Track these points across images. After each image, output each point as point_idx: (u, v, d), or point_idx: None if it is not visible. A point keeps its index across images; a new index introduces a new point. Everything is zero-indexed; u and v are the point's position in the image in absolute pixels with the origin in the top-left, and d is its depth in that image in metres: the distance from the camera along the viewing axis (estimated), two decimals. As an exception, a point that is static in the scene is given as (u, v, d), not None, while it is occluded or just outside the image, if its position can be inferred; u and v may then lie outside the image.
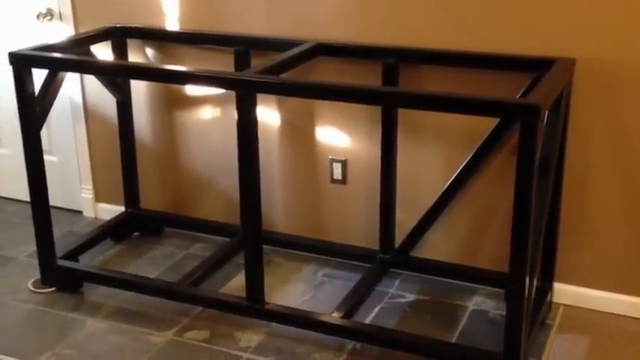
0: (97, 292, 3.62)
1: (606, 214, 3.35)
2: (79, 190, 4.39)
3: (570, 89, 3.15)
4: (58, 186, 4.35)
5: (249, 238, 3.22)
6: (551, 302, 3.46)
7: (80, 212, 4.43)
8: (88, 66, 3.49)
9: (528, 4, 3.19)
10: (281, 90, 3.16)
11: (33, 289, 3.67)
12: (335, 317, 3.23)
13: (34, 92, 3.37)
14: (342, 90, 2.99)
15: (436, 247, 3.67)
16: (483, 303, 3.53)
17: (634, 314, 3.41)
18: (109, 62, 3.68)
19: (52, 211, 3.95)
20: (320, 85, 3.14)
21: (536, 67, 3.13)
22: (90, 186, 4.35)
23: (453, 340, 3.28)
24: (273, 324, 3.35)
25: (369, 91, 2.96)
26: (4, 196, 4.63)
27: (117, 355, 3.21)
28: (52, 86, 3.42)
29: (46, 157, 4.23)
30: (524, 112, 2.60)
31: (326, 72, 3.57)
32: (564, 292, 3.49)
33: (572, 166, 3.29)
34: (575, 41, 3.15)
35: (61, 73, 3.43)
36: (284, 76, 3.27)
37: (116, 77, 3.86)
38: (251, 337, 3.30)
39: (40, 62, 3.37)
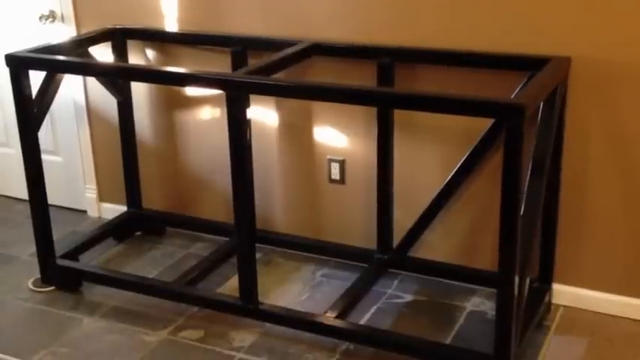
0: (96, 292, 3.64)
1: (605, 214, 3.31)
2: (83, 190, 4.42)
3: (566, 88, 3.13)
4: (63, 186, 4.40)
5: (242, 238, 3.22)
6: (550, 303, 3.43)
7: (85, 212, 4.45)
8: (83, 68, 3.52)
9: (524, 3, 3.17)
10: (270, 90, 3.17)
11: (33, 287, 3.70)
12: (328, 318, 3.22)
13: (31, 94, 3.40)
14: (332, 90, 3.00)
15: (434, 247, 3.65)
16: (482, 304, 3.51)
17: (634, 316, 3.36)
18: (103, 64, 3.69)
19: (57, 210, 4.01)
20: (310, 86, 3.15)
21: (531, 65, 3.10)
22: (94, 186, 4.38)
23: (448, 341, 3.26)
24: (268, 324, 3.34)
25: (355, 92, 2.95)
26: (10, 195, 4.67)
27: (110, 354, 3.22)
28: (49, 87, 3.45)
29: (51, 158, 4.31)
30: (508, 112, 2.59)
31: (322, 72, 3.56)
32: (564, 293, 3.45)
33: (570, 165, 3.27)
34: (570, 40, 3.12)
35: (59, 75, 3.46)
36: (277, 76, 3.27)
37: (107, 78, 3.87)
38: (245, 336, 3.30)
39: (36, 64, 3.40)
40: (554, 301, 3.46)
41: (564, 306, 3.46)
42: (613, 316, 3.39)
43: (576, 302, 3.45)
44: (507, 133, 2.59)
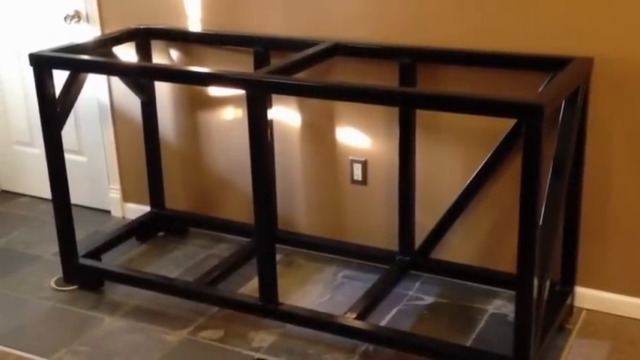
0: (117, 291, 3.65)
1: (628, 216, 3.27)
2: (107, 190, 4.44)
3: (588, 88, 3.10)
4: (87, 186, 4.42)
5: (261, 238, 3.22)
6: (572, 306, 3.40)
7: (109, 212, 4.47)
8: (106, 67, 3.54)
9: (547, 3, 3.15)
10: (291, 90, 3.18)
11: (55, 287, 3.72)
12: (347, 319, 3.21)
13: (54, 93, 3.42)
14: (354, 90, 3.00)
15: (456, 249, 3.63)
16: (503, 306, 3.48)
17: (657, 320, 3.34)
18: (126, 63, 3.70)
19: (82, 210, 4.01)
20: (331, 86, 3.14)
21: (554, 66, 3.07)
22: (118, 186, 4.39)
23: (469, 343, 3.24)
24: (288, 325, 3.34)
25: (377, 92, 2.95)
26: (35, 195, 4.70)
27: (130, 353, 3.23)
28: (73, 87, 3.47)
29: (75, 158, 4.33)
30: (526, 112, 2.57)
31: (344, 72, 3.56)
32: (586, 296, 3.42)
33: (593, 166, 3.24)
34: (593, 40, 3.10)
35: (82, 74, 3.48)
36: (299, 76, 3.27)
37: (130, 78, 3.89)
38: (265, 337, 3.30)
39: (60, 64, 3.42)
40: (577, 304, 3.43)
41: (587, 309, 3.43)
42: (635, 319, 3.35)
43: (599, 305, 3.42)
44: (526, 133, 2.57)
